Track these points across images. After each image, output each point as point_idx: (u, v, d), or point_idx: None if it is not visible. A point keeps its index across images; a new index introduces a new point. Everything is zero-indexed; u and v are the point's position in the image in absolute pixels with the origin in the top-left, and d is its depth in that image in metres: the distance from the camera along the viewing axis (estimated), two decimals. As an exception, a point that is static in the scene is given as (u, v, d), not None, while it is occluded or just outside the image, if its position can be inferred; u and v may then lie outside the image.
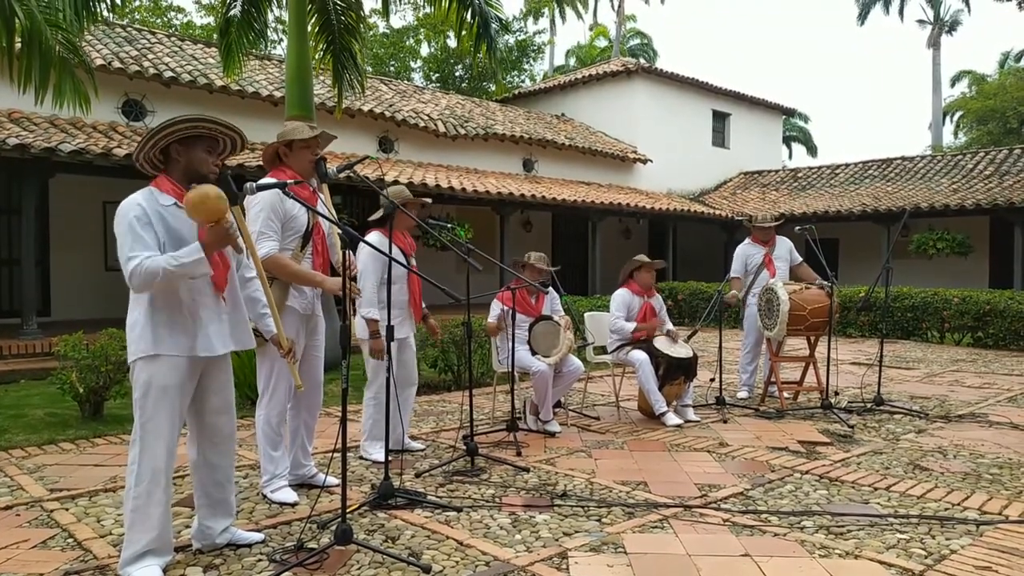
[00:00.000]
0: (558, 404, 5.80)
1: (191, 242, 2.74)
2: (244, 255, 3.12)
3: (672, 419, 5.53)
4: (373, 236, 4.37)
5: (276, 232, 3.62)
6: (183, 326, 2.79)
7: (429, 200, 4.88)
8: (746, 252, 6.88)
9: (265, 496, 3.75)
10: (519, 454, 4.68)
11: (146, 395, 2.77)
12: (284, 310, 3.65)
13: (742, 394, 6.86)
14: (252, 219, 3.58)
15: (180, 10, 23.15)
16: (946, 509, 3.68)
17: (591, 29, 32.90)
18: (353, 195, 12.49)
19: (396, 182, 11.42)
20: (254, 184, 3.00)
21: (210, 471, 3.03)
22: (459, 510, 3.62)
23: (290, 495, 3.72)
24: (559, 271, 5.84)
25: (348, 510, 3.14)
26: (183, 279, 2.72)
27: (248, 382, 6.11)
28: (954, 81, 33.56)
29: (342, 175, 4.10)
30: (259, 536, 3.20)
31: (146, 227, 2.71)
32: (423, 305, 4.69)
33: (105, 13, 7.10)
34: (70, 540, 3.24)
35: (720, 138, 21.74)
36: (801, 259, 6.97)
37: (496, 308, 5.39)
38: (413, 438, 4.96)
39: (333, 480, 3.83)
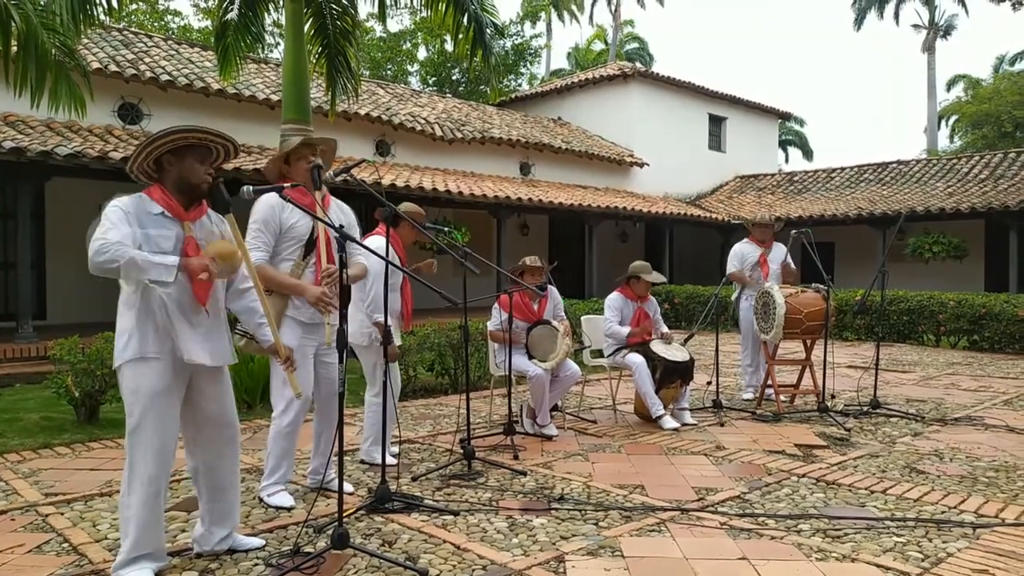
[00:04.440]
0: (555, 407, 5.79)
1: (171, 255, 2.75)
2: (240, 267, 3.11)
3: (669, 422, 5.53)
4: (376, 241, 4.34)
5: (265, 244, 3.62)
6: (167, 332, 2.79)
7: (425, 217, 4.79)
8: (743, 251, 6.88)
9: (262, 500, 3.75)
10: (516, 458, 4.68)
11: (135, 401, 2.77)
12: (284, 320, 3.64)
13: (747, 395, 6.85)
14: (248, 231, 3.59)
15: (177, 14, 23.21)
16: (943, 512, 3.68)
17: (591, 30, 32.99)
18: (351, 199, 12.45)
19: (392, 184, 11.42)
20: (251, 188, 3.00)
21: (211, 477, 3.02)
22: (456, 514, 3.61)
23: (286, 499, 3.72)
24: (555, 272, 5.84)
25: (345, 514, 3.14)
26: (141, 275, 2.65)
27: (244, 387, 6.11)
28: (949, 85, 33.71)
29: (339, 179, 4.10)
30: (259, 542, 3.19)
31: (123, 221, 2.70)
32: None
33: (102, 17, 7.11)
34: (65, 545, 3.22)
35: (716, 142, 21.79)
36: (794, 266, 6.97)
37: (497, 314, 5.38)
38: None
39: (349, 487, 3.83)
